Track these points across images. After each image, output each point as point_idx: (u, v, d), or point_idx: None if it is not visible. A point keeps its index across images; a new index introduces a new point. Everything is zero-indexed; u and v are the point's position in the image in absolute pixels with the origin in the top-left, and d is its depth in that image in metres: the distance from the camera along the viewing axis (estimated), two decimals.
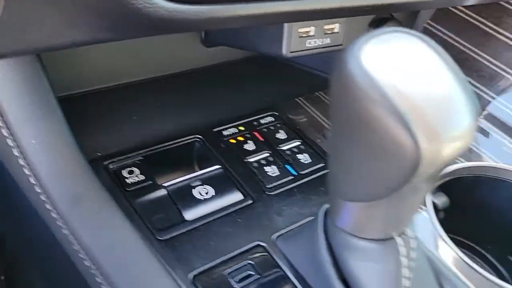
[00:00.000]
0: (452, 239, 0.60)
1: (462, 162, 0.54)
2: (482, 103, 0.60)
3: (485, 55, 0.62)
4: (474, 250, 0.59)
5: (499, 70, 0.60)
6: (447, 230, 0.58)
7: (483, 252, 0.59)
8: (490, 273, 0.58)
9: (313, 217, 0.40)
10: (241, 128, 0.52)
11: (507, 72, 0.60)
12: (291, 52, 0.50)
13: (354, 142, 0.28)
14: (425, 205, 0.48)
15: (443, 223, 0.55)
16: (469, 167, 0.55)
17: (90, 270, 0.35)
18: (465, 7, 0.63)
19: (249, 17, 0.35)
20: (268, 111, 0.55)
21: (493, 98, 0.60)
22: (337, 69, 0.27)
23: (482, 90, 0.61)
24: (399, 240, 0.32)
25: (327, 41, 0.52)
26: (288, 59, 0.62)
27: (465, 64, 0.62)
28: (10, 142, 0.36)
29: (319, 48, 0.52)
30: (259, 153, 0.49)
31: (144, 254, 0.36)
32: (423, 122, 0.26)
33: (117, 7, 0.28)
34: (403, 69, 0.27)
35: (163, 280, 0.35)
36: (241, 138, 0.50)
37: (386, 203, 0.30)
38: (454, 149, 0.27)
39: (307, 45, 0.51)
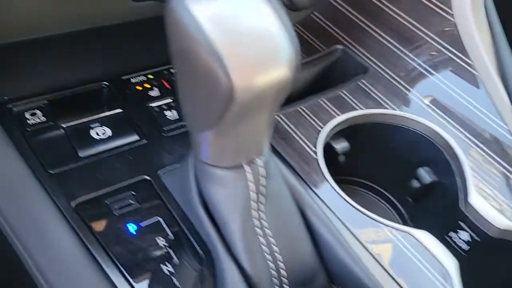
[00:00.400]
0: (354, 181, 0.64)
1: (362, 109, 0.57)
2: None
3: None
4: (377, 191, 0.63)
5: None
6: (349, 173, 0.63)
7: (386, 193, 0.63)
8: (392, 213, 0.63)
9: None
10: (150, 76, 0.54)
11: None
12: None
13: (182, 76, 0.31)
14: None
15: (344, 166, 0.60)
16: (368, 114, 0.58)
17: None
18: None
19: None
20: None
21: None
22: (166, 9, 0.30)
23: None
24: (247, 168, 0.36)
25: None
26: None
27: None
28: None
29: None
30: (162, 99, 0.52)
31: (30, 185, 0.40)
32: (236, 56, 0.29)
33: None
34: (224, 10, 0.30)
35: (47, 207, 0.39)
36: (147, 85, 0.53)
37: (224, 133, 0.33)
38: (268, 81, 0.30)
39: None
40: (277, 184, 0.40)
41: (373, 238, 0.44)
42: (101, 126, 0.47)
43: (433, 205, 0.56)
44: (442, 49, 0.60)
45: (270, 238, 0.39)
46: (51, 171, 0.42)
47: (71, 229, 0.39)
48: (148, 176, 0.44)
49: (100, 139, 0.46)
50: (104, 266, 0.37)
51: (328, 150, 0.57)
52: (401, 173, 0.59)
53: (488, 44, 0.55)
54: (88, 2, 0.57)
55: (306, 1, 0.63)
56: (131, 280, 0.37)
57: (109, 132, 0.47)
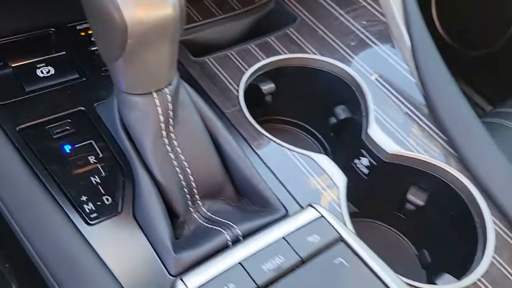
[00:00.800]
0: (283, 120, 0.72)
1: (286, 54, 0.64)
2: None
3: None
4: (303, 127, 0.71)
5: None
6: (277, 113, 0.70)
7: (311, 129, 0.71)
8: (317, 146, 0.72)
9: None
10: None
11: None
12: None
13: (91, 18, 0.39)
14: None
15: (272, 107, 0.67)
16: (292, 58, 0.65)
17: None
18: None
19: None
20: None
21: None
22: None
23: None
24: (155, 94, 0.43)
25: None
26: None
27: None
28: None
29: None
30: None
31: None
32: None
33: None
34: None
35: None
36: (90, 32, 0.60)
37: (130, 58, 0.40)
38: (155, 18, 0.37)
39: None
40: (188, 111, 0.47)
41: (276, 158, 0.52)
42: (46, 66, 0.55)
43: (347, 137, 0.64)
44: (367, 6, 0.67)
45: (180, 155, 0.47)
46: (1, 102, 0.50)
47: (15, 149, 0.47)
48: (85, 107, 0.52)
49: (44, 76, 0.54)
50: (43, 180, 0.46)
51: (256, 91, 0.64)
52: (322, 111, 0.67)
53: None
54: None
55: None
56: (65, 190, 0.45)
57: (52, 71, 0.54)
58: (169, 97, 0.44)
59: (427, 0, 1.70)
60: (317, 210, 0.45)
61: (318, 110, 0.67)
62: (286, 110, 0.69)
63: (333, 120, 0.65)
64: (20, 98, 0.51)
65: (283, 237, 0.42)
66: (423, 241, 0.60)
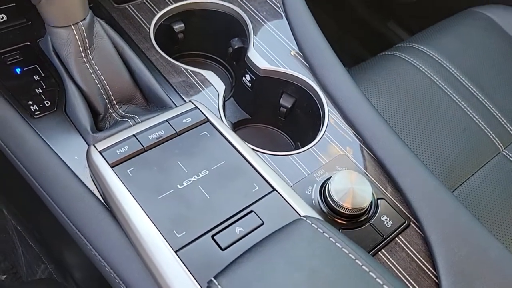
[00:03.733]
0: (194, 54, 0.91)
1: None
2: None
3: None
4: (212, 58, 0.90)
5: None
6: (190, 48, 0.89)
7: (218, 59, 0.90)
8: (223, 71, 0.91)
9: None
10: None
11: None
12: None
13: None
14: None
15: (183, 43, 0.86)
16: (195, 1, 0.83)
17: None
18: None
19: None
20: None
21: None
22: None
23: None
24: (73, 27, 0.62)
25: None
26: None
27: None
28: None
29: None
30: None
31: None
32: None
33: None
34: None
35: None
36: None
37: (51, 3, 0.59)
38: None
39: None
40: (102, 40, 0.66)
41: (173, 73, 0.72)
42: (0, 14, 0.73)
43: (238, 63, 0.84)
44: None
45: (97, 71, 0.66)
46: None
47: None
48: (30, 43, 0.70)
49: (0, 22, 0.72)
50: (3, 92, 0.65)
51: (169, 31, 0.83)
52: (223, 43, 0.86)
53: None
54: None
55: None
56: (16, 97, 0.65)
57: (6, 18, 0.73)
58: (84, 29, 0.63)
59: None
60: (193, 103, 0.65)
61: (220, 42, 0.86)
62: (197, 45, 0.88)
63: (230, 50, 0.84)
64: None
65: (166, 119, 0.62)
66: (296, 134, 0.81)
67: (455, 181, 0.89)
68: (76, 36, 0.63)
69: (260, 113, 0.82)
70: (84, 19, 0.63)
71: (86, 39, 0.64)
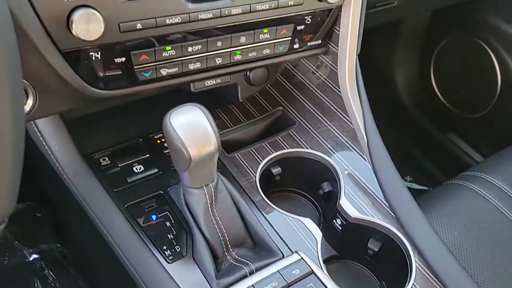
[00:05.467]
0: (288, 190, 1.03)
1: (289, 148, 0.97)
2: None
3: None
4: (303, 195, 1.02)
5: None
6: (284, 186, 1.02)
7: (309, 197, 1.02)
8: (312, 209, 1.02)
9: None
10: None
11: None
12: (196, 89, 0.94)
13: (171, 151, 0.72)
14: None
15: (280, 182, 0.99)
16: (292, 151, 0.97)
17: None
18: None
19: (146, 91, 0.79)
20: None
21: None
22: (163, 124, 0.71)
23: None
24: (204, 188, 0.76)
25: (219, 81, 0.96)
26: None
27: None
28: (46, 147, 0.83)
29: (215, 85, 0.96)
30: None
31: (104, 199, 0.82)
32: (191, 145, 0.69)
33: (79, 94, 0.74)
34: (187, 122, 0.70)
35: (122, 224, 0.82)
36: (163, 139, 0.95)
37: (191, 171, 0.73)
38: (205, 153, 0.70)
39: (206, 84, 0.95)
40: (223, 195, 0.80)
41: (278, 220, 0.84)
42: (138, 165, 0.89)
43: (329, 204, 0.95)
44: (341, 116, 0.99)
45: (219, 221, 0.79)
46: (115, 190, 0.84)
47: (125, 219, 0.81)
48: (162, 191, 0.85)
49: (138, 172, 0.88)
50: (142, 236, 0.79)
51: (268, 173, 0.97)
52: (314, 185, 0.98)
53: (358, 107, 0.94)
54: None
55: (261, 80, 1.04)
56: (154, 242, 0.78)
57: (142, 168, 0.89)
58: (212, 189, 0.77)
59: (427, 72, 2.01)
60: (299, 254, 0.76)
61: (312, 184, 0.98)
62: (290, 184, 1.01)
63: (320, 191, 0.96)
64: (125, 187, 0.85)
65: (278, 271, 0.73)
66: (381, 274, 0.89)
67: None
68: (206, 195, 0.77)
69: (346, 251, 0.92)
70: (213, 181, 0.78)
71: (213, 197, 0.78)
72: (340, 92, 0.96)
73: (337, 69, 0.96)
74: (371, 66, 1.67)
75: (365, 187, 0.90)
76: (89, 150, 0.91)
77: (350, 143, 0.95)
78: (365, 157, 0.93)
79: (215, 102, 1.06)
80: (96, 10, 0.67)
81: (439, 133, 2.00)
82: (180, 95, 0.99)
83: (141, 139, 0.95)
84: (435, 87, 1.99)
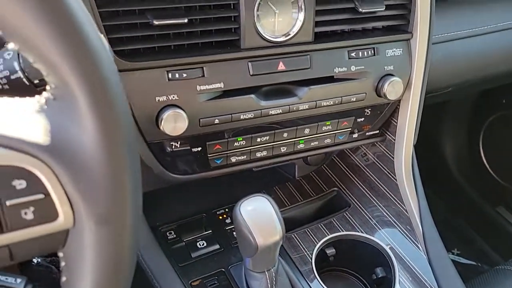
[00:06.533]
0: (341, 270, 1.06)
1: (343, 231, 1.00)
2: None
3: None
4: (355, 276, 1.04)
5: None
6: (338, 266, 1.05)
7: (361, 278, 1.04)
8: None
9: None
10: (226, 209, 1.02)
11: None
12: (257, 168, 1.00)
13: (238, 238, 0.78)
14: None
15: (333, 262, 1.02)
16: (347, 234, 1.00)
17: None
18: None
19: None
20: None
21: None
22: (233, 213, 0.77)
23: None
24: (266, 272, 0.81)
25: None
26: None
27: None
28: None
29: (274, 164, 1.02)
30: (232, 226, 0.99)
31: (168, 271, 0.88)
32: (259, 234, 0.74)
33: (157, 179, 0.81)
34: (256, 212, 0.76)
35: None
36: (225, 215, 1.01)
37: (256, 258, 0.78)
38: (271, 242, 0.75)
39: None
40: (283, 278, 0.84)
41: None
42: (201, 240, 0.95)
43: None
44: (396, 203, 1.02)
45: None
46: (180, 265, 0.90)
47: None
48: (224, 269, 0.90)
49: (201, 247, 0.94)
50: None
51: (322, 253, 1.00)
52: (367, 269, 1.00)
53: (414, 196, 0.97)
54: None
55: (317, 161, 1.10)
56: None
57: (205, 244, 0.95)
58: (273, 273, 0.81)
59: (476, 144, 2.01)
60: None
61: (365, 267, 1.01)
62: (344, 265, 1.04)
63: (374, 276, 0.98)
64: (189, 262, 0.91)
65: None
66: None
67: None
68: (268, 280, 0.81)
69: None
70: (274, 265, 0.82)
71: (274, 280, 0.82)
72: (396, 179, 1.00)
73: (393, 158, 1.00)
74: (420, 134, 1.70)
75: (420, 277, 0.91)
76: (157, 223, 0.98)
77: (405, 232, 0.98)
78: (419, 246, 0.95)
79: (274, 178, 1.12)
80: (182, 109, 0.75)
81: (489, 206, 1.97)
82: (241, 172, 1.06)
83: (204, 214, 1.01)
84: (484, 160, 1.98)
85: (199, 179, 0.87)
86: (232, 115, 0.81)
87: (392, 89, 0.88)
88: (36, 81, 0.52)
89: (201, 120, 0.78)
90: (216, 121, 0.80)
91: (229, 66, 0.78)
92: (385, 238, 0.98)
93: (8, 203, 0.38)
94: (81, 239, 0.41)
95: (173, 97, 0.75)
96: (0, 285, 0.48)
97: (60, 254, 0.43)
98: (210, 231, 0.98)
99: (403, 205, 1.00)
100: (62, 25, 0.36)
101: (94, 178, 0.40)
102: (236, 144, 0.85)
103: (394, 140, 1.00)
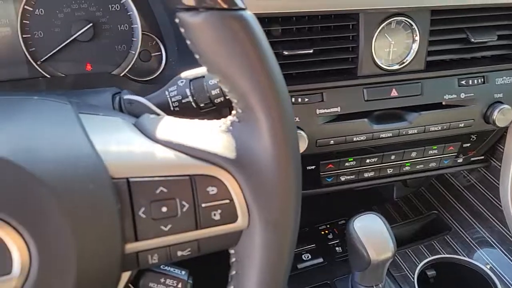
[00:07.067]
0: None
1: (444, 254, 1.01)
2: None
3: None
4: None
5: None
6: (436, 286, 1.06)
7: None
8: None
9: None
10: (328, 225, 1.08)
11: None
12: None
13: (350, 254, 0.83)
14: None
15: (433, 283, 1.03)
16: (447, 257, 1.02)
17: None
18: None
19: None
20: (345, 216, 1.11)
21: None
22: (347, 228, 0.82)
23: None
24: (375, 287, 0.85)
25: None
26: None
27: None
28: None
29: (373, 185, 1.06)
30: (334, 240, 1.04)
31: None
32: (371, 248, 0.79)
33: None
34: (369, 228, 0.81)
35: None
36: (327, 231, 1.06)
37: (366, 272, 0.83)
38: (385, 258, 0.79)
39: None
40: None
41: None
42: (306, 253, 1.01)
43: None
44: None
45: None
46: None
47: None
48: (329, 281, 0.95)
49: (305, 260, 1.00)
50: None
51: (424, 274, 1.02)
52: None
53: None
54: None
55: (417, 183, 1.12)
56: None
57: (310, 256, 1.01)
58: (381, 285, 0.85)
59: None
60: None
61: None
62: (444, 286, 1.05)
63: None
64: (296, 273, 0.97)
65: None
66: None
67: None
68: None
69: None
70: (382, 282, 0.86)
71: None
72: (501, 206, 1.01)
73: (498, 184, 1.01)
74: None
75: None
76: None
77: (508, 254, 0.98)
78: None
79: (372, 198, 1.16)
80: (303, 130, 0.82)
81: None
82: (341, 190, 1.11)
83: (306, 228, 1.07)
84: None
85: (309, 195, 0.94)
86: (346, 137, 0.87)
87: (502, 117, 0.90)
88: (202, 105, 0.61)
89: (318, 140, 0.85)
90: (332, 142, 0.86)
91: (346, 92, 0.85)
92: (485, 260, 0.98)
93: (203, 205, 0.47)
94: (252, 239, 0.49)
95: (295, 119, 0.83)
96: (171, 275, 0.57)
97: (231, 251, 0.51)
98: (314, 245, 1.04)
99: (509, 234, 1.00)
100: (255, 68, 0.44)
101: (268, 189, 0.47)
102: (346, 164, 0.91)
103: (500, 166, 1.00)
